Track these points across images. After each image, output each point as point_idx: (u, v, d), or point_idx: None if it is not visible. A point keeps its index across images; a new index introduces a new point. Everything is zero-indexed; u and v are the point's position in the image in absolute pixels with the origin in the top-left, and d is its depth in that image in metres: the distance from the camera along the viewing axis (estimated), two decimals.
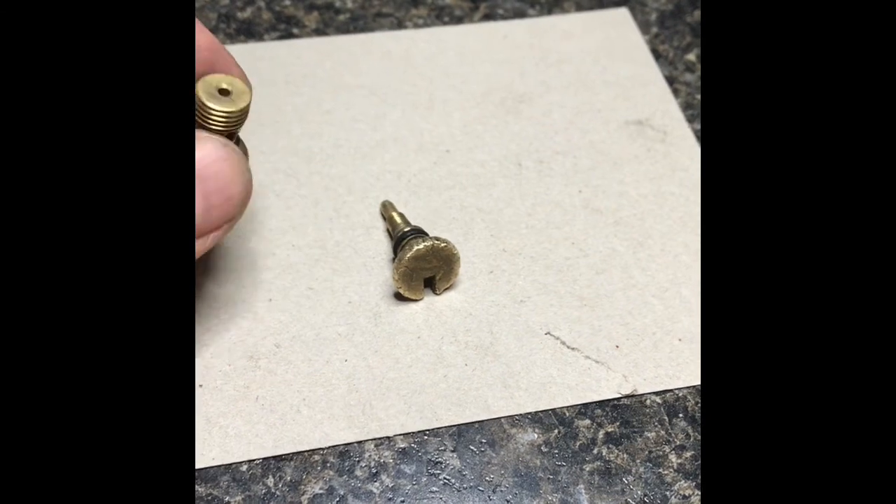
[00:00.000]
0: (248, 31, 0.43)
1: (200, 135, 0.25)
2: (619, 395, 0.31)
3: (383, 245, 0.35)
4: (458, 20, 0.45)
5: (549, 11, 0.46)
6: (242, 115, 0.26)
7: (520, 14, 0.46)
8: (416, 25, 0.44)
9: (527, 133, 0.40)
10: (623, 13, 0.46)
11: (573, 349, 0.32)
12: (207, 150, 0.24)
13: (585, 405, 0.31)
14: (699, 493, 0.28)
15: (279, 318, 0.32)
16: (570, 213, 0.36)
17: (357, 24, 0.44)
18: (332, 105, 0.40)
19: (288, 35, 0.43)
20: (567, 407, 0.30)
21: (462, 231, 0.35)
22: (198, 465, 0.28)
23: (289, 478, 0.28)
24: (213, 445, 0.28)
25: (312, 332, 0.32)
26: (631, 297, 0.34)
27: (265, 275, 0.33)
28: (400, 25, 0.44)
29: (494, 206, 0.37)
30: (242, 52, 0.42)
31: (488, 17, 0.45)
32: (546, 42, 0.44)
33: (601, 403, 0.31)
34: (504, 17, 0.45)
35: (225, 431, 0.29)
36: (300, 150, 0.38)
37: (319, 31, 0.44)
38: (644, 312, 0.33)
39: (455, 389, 0.30)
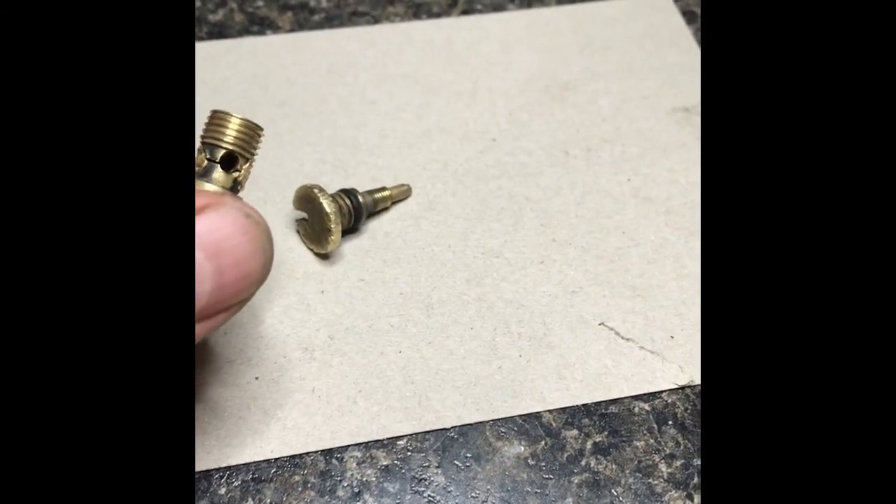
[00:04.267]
0: (220, 34, 0.42)
1: (222, 200, 0.22)
2: (676, 386, 0.31)
3: (432, 235, 0.34)
4: (437, 16, 0.44)
5: (529, 5, 0.45)
6: (260, 133, 0.25)
7: (499, 8, 0.45)
8: (393, 23, 0.43)
9: (573, 121, 0.39)
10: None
11: (627, 340, 0.32)
12: (226, 221, 0.21)
13: (572, 414, 0.30)
14: (690, 503, 0.28)
15: (332, 309, 0.32)
16: (619, 202, 0.36)
17: (332, 23, 0.43)
18: (377, 95, 0.40)
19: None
20: (554, 416, 0.30)
21: (511, 221, 0.35)
22: (255, 459, 0.28)
23: (269, 500, 0.27)
24: (272, 438, 0.28)
25: (365, 323, 0.31)
26: (684, 286, 0.33)
27: (316, 266, 0.33)
28: (377, 23, 0.43)
29: (543, 195, 0.36)
30: (286, 42, 0.42)
31: (466, 12, 0.44)
32: (589, 28, 0.44)
33: (588, 412, 0.30)
34: (482, 12, 0.44)
35: (283, 424, 0.29)
36: (346, 140, 0.38)
37: (294, 32, 0.42)
38: (698, 302, 0.33)
39: (510, 381, 0.30)
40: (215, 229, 0.21)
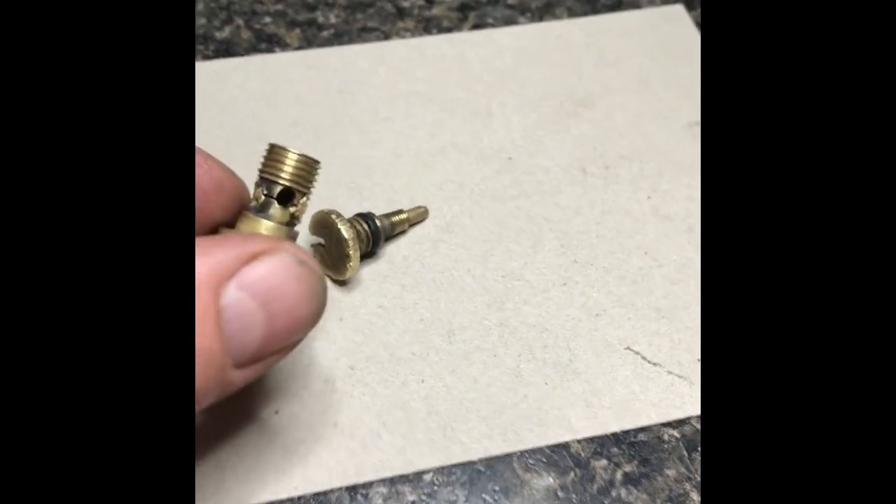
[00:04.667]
0: (228, 52, 0.41)
1: (277, 246, 0.21)
2: None
3: (451, 259, 0.34)
4: (447, 31, 0.43)
5: (541, 18, 0.44)
6: (317, 168, 0.25)
7: (510, 21, 0.44)
8: (404, 38, 0.43)
9: (589, 137, 0.39)
10: (678, 10, 0.45)
11: (654, 364, 0.31)
12: (279, 268, 0.21)
13: (601, 443, 0.29)
14: None
15: (352, 337, 0.31)
16: (640, 221, 0.35)
17: (342, 39, 0.42)
18: (389, 112, 0.39)
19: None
20: (583, 446, 0.29)
21: (531, 242, 0.34)
22: (278, 497, 0.27)
23: None
24: (294, 475, 0.28)
25: (386, 351, 0.31)
26: None
27: (334, 293, 0.32)
28: (387, 39, 0.43)
29: (562, 215, 0.35)
30: (295, 60, 0.41)
31: (478, 26, 0.44)
32: (602, 42, 0.43)
33: (617, 441, 0.29)
34: (494, 26, 0.44)
35: (305, 460, 0.28)
36: (360, 160, 0.37)
37: (302, 49, 0.42)
38: None
39: (536, 409, 0.30)
40: (268, 276, 0.21)
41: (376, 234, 0.33)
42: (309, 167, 0.24)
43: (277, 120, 0.38)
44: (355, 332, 0.31)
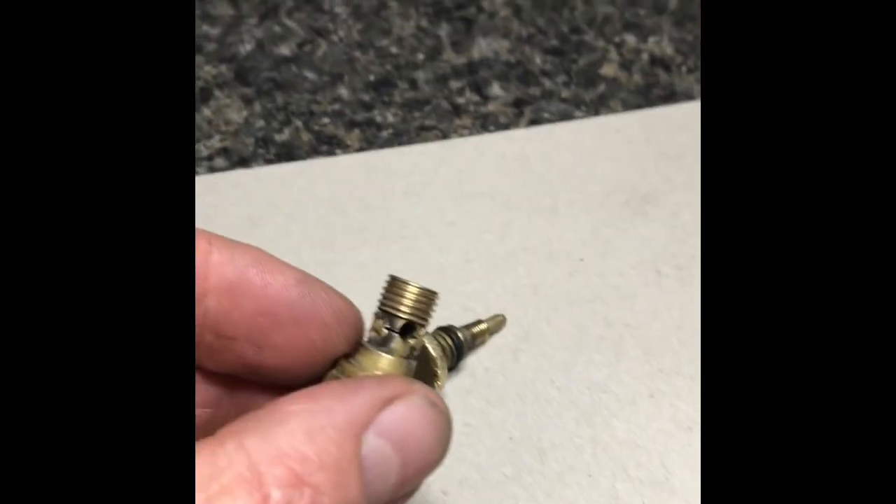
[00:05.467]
0: (289, 155, 0.41)
1: (411, 389, 0.21)
2: None
3: (532, 369, 0.33)
4: (504, 126, 0.43)
5: (596, 112, 0.44)
6: (435, 300, 0.24)
7: (566, 116, 0.44)
8: (462, 136, 0.43)
9: (659, 236, 0.38)
10: None
11: None
12: (413, 412, 0.20)
13: None
14: None
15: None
16: None
17: (401, 139, 0.42)
18: (455, 215, 0.39)
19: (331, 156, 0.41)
20: None
21: (612, 350, 0.34)
22: None
23: None
24: None
25: (478, 474, 0.30)
26: None
27: None
28: (444, 137, 0.43)
29: (641, 319, 0.35)
30: (357, 162, 0.41)
31: (534, 121, 0.44)
32: (661, 135, 0.43)
33: None
34: (550, 120, 0.44)
35: None
36: (432, 266, 0.36)
37: (363, 151, 0.41)
38: None
39: None
40: (404, 421, 0.20)
41: (460, 348, 0.32)
42: (428, 300, 0.24)
43: (345, 226, 0.38)
44: None
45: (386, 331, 0.24)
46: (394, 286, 0.24)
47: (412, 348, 0.24)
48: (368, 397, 0.20)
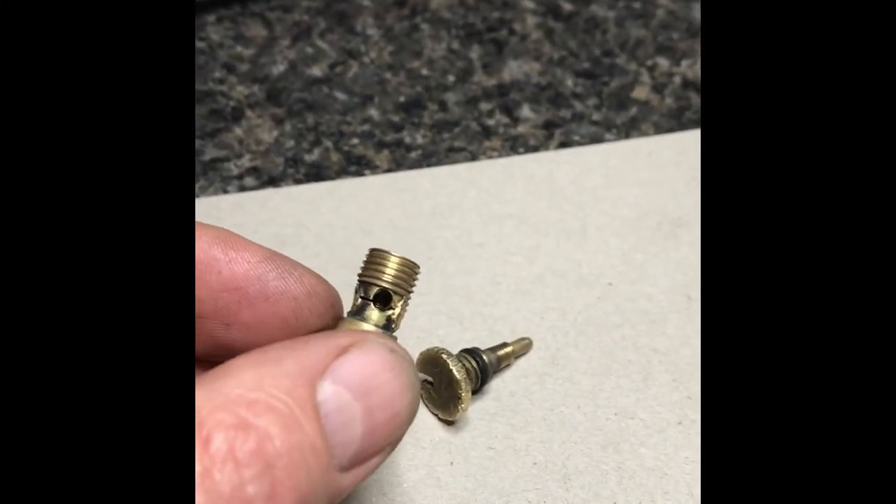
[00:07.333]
0: (318, 175, 0.41)
1: (364, 337, 0.21)
2: None
3: (559, 394, 0.33)
4: (534, 149, 0.43)
5: (627, 135, 0.44)
6: (416, 271, 0.24)
7: (596, 139, 0.44)
8: (491, 158, 0.42)
9: (690, 261, 0.38)
10: None
11: None
12: (371, 359, 0.20)
13: None
14: None
15: (464, 484, 0.30)
16: None
17: (430, 160, 0.42)
18: (483, 237, 0.38)
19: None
20: None
21: (641, 376, 0.33)
22: None
23: None
24: None
25: (501, 500, 0.29)
26: None
27: (442, 433, 0.31)
28: (473, 159, 0.42)
29: (670, 345, 0.34)
30: (386, 183, 0.41)
31: (564, 144, 0.43)
32: (692, 159, 0.42)
33: None
34: (580, 143, 0.43)
35: None
36: (458, 288, 0.36)
37: (392, 171, 0.41)
38: None
39: None
40: (361, 367, 0.20)
41: (484, 370, 0.32)
42: (408, 270, 0.23)
43: (372, 246, 0.37)
44: (467, 478, 0.30)
45: (360, 300, 0.23)
46: (373, 256, 0.24)
47: (389, 319, 0.23)
48: (321, 346, 0.20)
